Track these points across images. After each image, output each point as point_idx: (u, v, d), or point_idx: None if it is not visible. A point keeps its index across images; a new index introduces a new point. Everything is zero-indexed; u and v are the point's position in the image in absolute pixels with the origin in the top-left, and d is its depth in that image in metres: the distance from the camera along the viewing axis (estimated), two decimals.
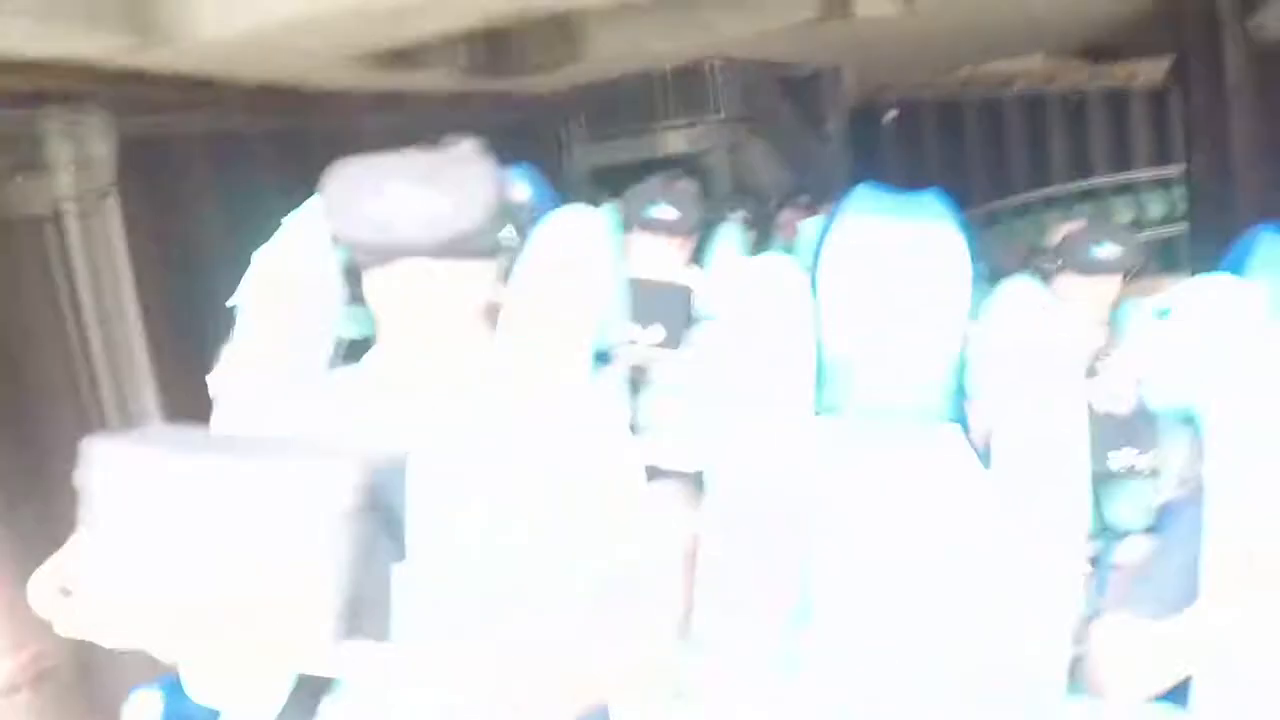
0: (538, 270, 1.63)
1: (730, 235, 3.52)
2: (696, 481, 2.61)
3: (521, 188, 1.69)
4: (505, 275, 1.52)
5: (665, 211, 3.23)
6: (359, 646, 1.17)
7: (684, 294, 3.07)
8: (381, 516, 1.18)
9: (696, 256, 3.39)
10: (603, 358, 1.75)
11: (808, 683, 1.64)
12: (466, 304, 1.45)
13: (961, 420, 1.76)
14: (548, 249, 1.66)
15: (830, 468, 1.69)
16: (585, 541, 1.42)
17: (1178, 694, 1.60)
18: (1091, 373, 2.47)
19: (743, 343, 1.73)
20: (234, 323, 1.68)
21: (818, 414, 1.74)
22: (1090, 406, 2.23)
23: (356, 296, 1.48)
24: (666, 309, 3.03)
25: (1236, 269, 1.80)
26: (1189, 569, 1.59)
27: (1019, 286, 1.80)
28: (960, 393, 1.76)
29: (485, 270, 1.45)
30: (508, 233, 1.47)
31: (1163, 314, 1.74)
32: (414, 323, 1.44)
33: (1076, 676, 1.66)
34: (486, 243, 1.42)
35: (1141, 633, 1.63)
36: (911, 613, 1.63)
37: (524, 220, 1.64)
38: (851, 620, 1.65)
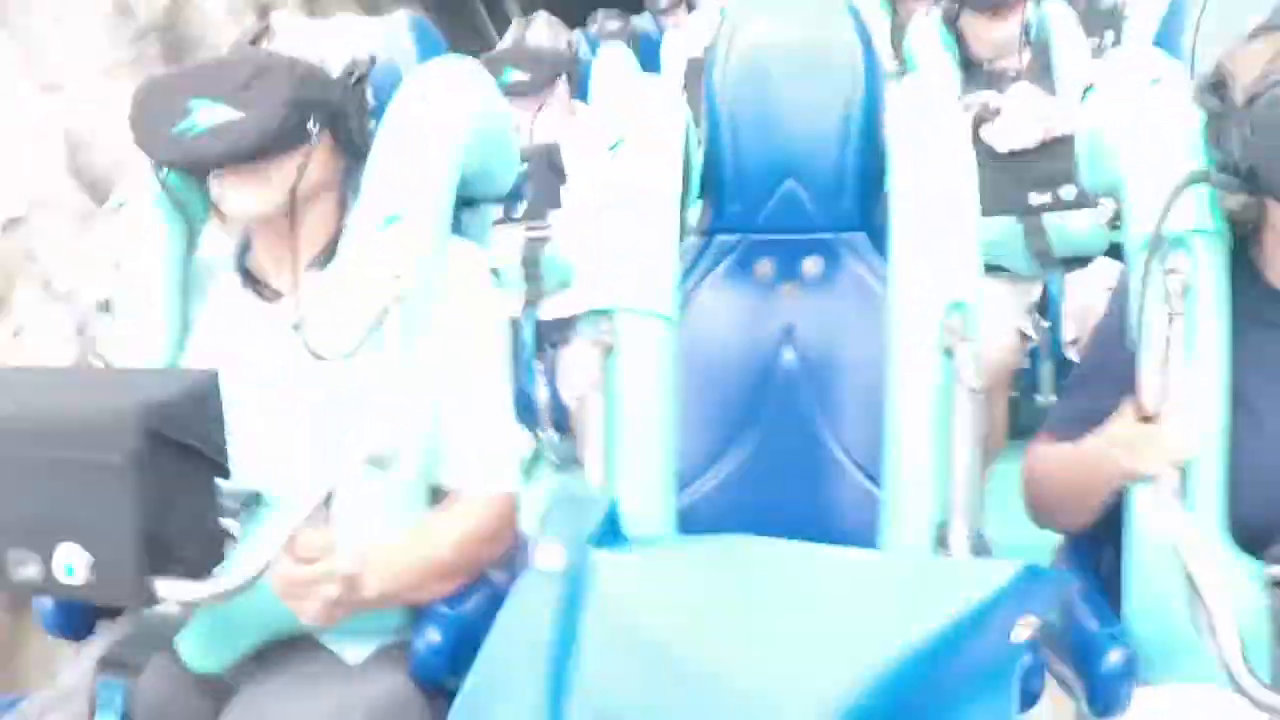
0: (393, 127, 1.57)
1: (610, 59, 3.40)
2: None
3: (355, 56, 1.58)
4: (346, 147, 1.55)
5: (516, 75, 3.14)
6: (171, 584, 1.17)
7: (548, 152, 2.94)
8: (178, 447, 1.16)
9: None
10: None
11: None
12: (285, 191, 1.49)
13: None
14: (402, 108, 1.59)
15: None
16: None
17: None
18: (986, 116, 2.40)
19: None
20: None
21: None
22: (992, 149, 2.18)
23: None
24: (536, 172, 2.90)
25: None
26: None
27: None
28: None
29: (299, 156, 1.48)
30: (312, 122, 1.48)
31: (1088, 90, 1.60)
32: (256, 225, 1.55)
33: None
34: (285, 144, 1.46)
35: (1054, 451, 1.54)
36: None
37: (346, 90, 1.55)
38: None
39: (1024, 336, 2.48)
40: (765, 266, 1.67)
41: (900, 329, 1.49)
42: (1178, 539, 1.25)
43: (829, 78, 1.66)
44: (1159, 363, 1.37)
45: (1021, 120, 2.33)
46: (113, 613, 1.60)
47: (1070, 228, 2.45)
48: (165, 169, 1.55)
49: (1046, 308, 2.54)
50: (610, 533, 1.33)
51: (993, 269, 2.43)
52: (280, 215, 1.51)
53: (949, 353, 1.45)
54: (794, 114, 1.66)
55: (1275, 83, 1.31)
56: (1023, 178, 2.31)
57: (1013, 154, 2.31)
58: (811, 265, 1.66)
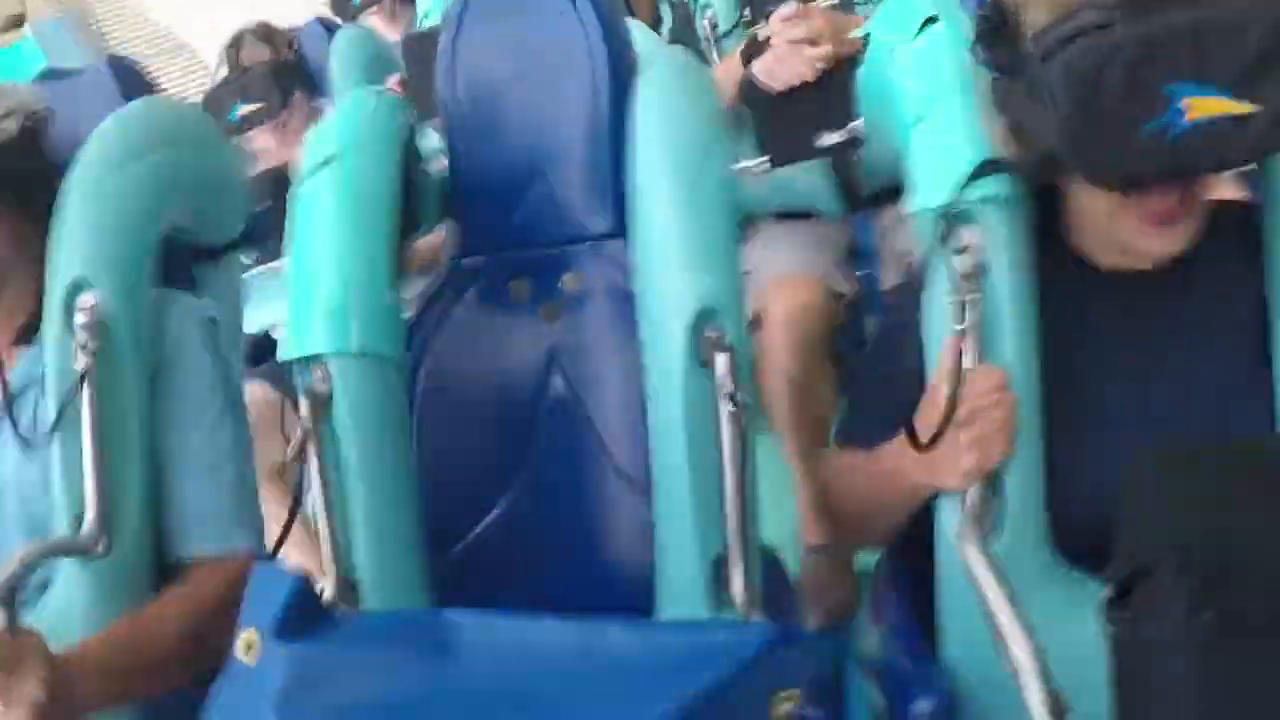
0: (74, 185, 1.44)
1: None
2: None
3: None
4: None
5: (245, 109, 2.84)
6: None
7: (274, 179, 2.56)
8: None
9: None
10: None
11: None
12: None
13: None
14: (87, 158, 1.46)
15: None
16: None
17: None
18: (755, 50, 2.16)
19: None
20: None
21: None
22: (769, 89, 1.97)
23: None
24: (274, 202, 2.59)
25: None
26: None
27: None
28: None
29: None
30: None
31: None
32: None
33: None
34: None
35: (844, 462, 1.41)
36: None
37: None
38: None
39: (837, 295, 2.28)
40: (521, 288, 1.50)
41: (649, 343, 1.34)
42: (972, 569, 1.13)
43: (564, 75, 1.49)
44: (951, 358, 1.22)
45: (793, 51, 2.08)
46: None
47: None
48: None
49: (859, 255, 2.36)
50: (299, 615, 1.19)
51: (797, 215, 2.26)
52: None
53: (705, 365, 1.28)
54: (535, 120, 1.50)
55: (1075, 32, 1.09)
56: (807, 117, 1.96)
57: (792, 91, 2.07)
58: (571, 281, 1.49)
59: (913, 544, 1.31)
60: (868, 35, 1.45)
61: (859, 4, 2.39)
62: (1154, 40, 1.07)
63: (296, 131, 2.80)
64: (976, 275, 1.23)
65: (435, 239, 1.66)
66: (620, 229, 1.48)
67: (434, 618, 1.25)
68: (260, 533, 1.47)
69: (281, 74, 2.87)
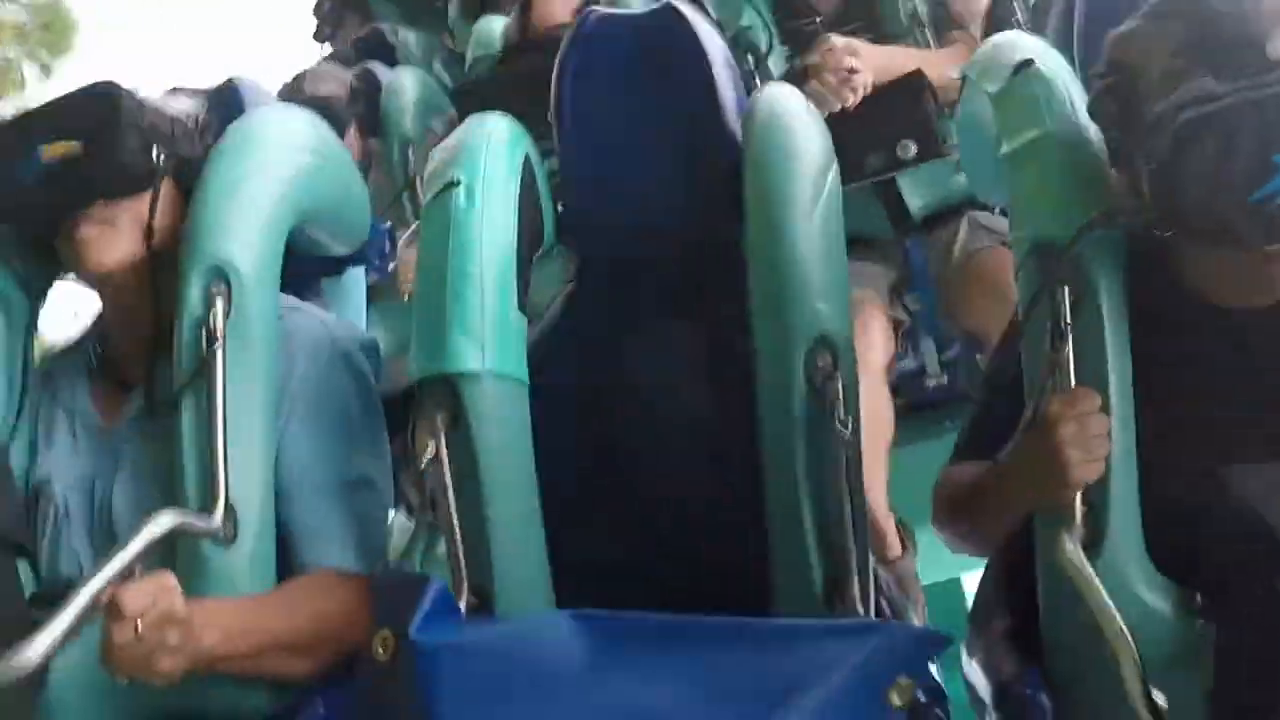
0: (214, 176, 1.49)
1: None
2: None
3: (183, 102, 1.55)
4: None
5: None
6: None
7: None
8: None
9: None
10: None
11: None
12: (136, 241, 1.46)
13: None
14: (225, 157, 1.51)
15: None
16: None
17: None
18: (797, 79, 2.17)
19: None
20: None
21: None
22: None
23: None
24: None
25: None
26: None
27: None
28: None
29: (145, 201, 1.45)
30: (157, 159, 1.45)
31: None
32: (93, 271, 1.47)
33: None
34: (135, 172, 1.44)
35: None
36: None
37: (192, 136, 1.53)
38: None
39: (897, 323, 2.35)
40: (632, 299, 1.57)
41: (765, 363, 1.41)
42: (1073, 577, 1.21)
43: (677, 99, 1.57)
44: (1048, 380, 1.30)
45: (836, 79, 2.11)
46: None
47: (922, 184, 2.28)
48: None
49: (912, 280, 2.38)
50: (438, 616, 1.26)
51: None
52: (133, 273, 1.45)
53: (818, 392, 1.36)
54: (648, 135, 1.57)
55: (1187, 104, 1.15)
56: (852, 141, 2.00)
57: (833, 117, 2.07)
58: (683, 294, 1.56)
59: (1016, 557, 1.40)
60: (965, 76, 1.54)
61: (898, 36, 2.50)
62: (1266, 108, 1.14)
63: None
64: (1078, 304, 1.31)
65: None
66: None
67: (569, 620, 1.29)
68: (380, 553, 1.52)
69: (339, 108, 2.93)
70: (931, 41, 2.48)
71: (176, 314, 1.43)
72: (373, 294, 2.07)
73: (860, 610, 1.32)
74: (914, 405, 2.37)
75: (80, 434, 1.51)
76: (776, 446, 1.38)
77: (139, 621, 1.18)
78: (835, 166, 1.50)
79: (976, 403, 1.59)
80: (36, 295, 1.57)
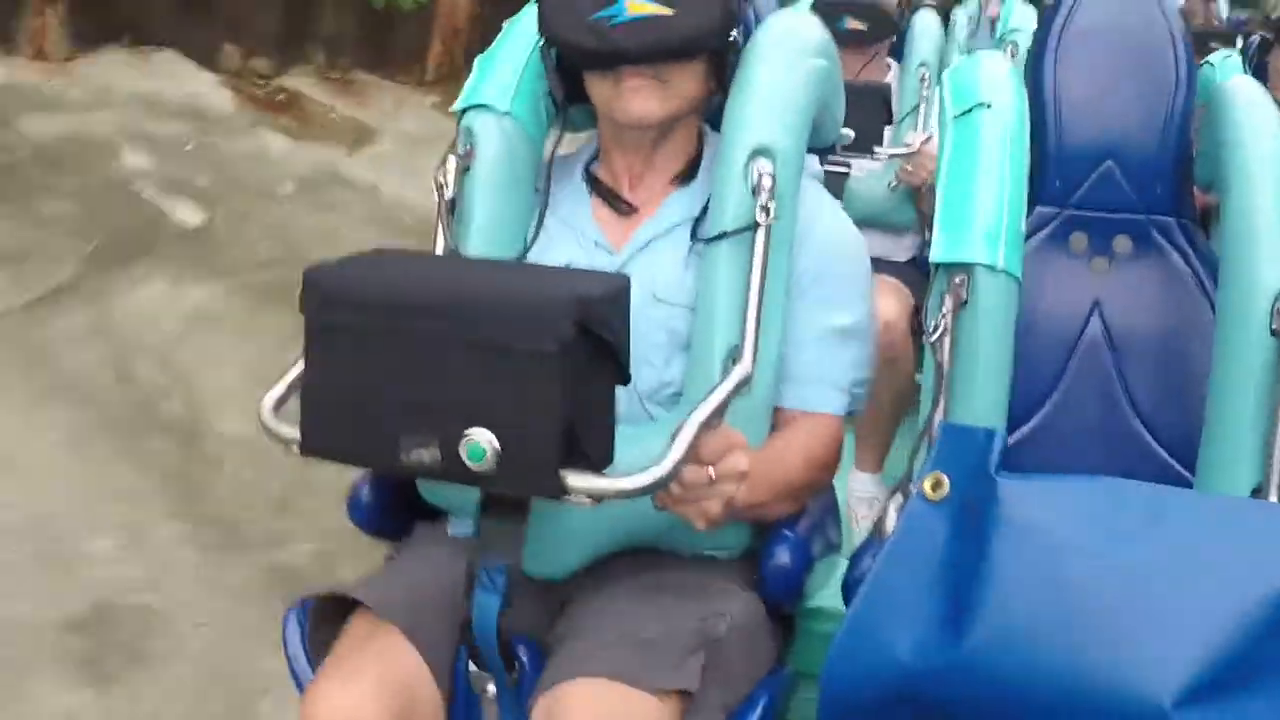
0: (760, 68, 1.64)
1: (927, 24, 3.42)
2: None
3: None
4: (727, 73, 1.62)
5: (853, 24, 3.18)
6: (582, 476, 1.11)
7: (880, 93, 2.94)
8: (596, 343, 1.12)
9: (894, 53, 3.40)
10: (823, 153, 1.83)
11: None
12: (685, 105, 1.60)
13: None
14: (771, 49, 1.66)
15: None
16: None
17: None
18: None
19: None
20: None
21: None
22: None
23: (573, 95, 1.64)
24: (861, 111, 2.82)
25: None
26: None
27: None
28: None
29: (705, 71, 1.59)
30: (734, 35, 1.59)
31: None
32: (636, 131, 1.60)
33: None
34: (710, 45, 1.56)
35: None
36: None
37: (747, 19, 1.66)
38: None
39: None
40: (1080, 241, 1.76)
41: (1231, 309, 1.57)
42: None
43: (1153, 69, 1.76)
44: None
45: None
46: (431, 515, 1.66)
47: None
48: (557, 60, 1.61)
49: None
50: (999, 465, 1.40)
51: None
52: (662, 127, 1.59)
53: (1277, 334, 1.52)
54: (1119, 100, 1.76)
55: None
56: None
57: None
58: (1123, 244, 1.75)
59: None
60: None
61: None
62: None
63: (874, 66, 3.30)
64: None
65: None
66: (1172, 209, 1.75)
67: (1098, 479, 1.42)
68: (861, 399, 1.65)
69: (890, 17, 3.28)
70: None
71: (717, 174, 1.59)
72: None
73: None
74: None
75: (585, 251, 1.65)
76: (1232, 378, 1.54)
77: (713, 468, 1.25)
78: None
79: None
80: (550, 127, 1.73)
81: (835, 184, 2.58)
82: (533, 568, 1.47)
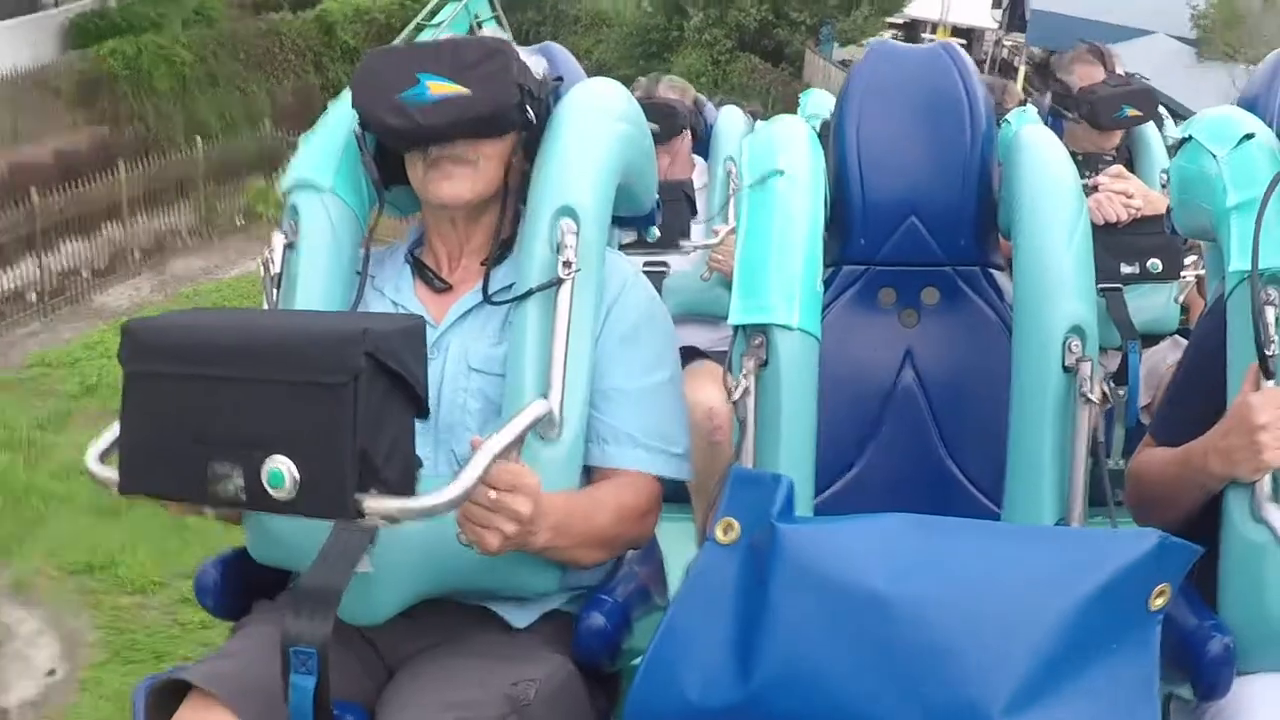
0: (564, 132, 1.68)
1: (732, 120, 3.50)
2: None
3: (538, 63, 1.72)
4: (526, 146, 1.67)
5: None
6: (378, 500, 1.17)
7: (683, 189, 3.05)
8: (392, 377, 1.19)
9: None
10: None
11: None
12: (495, 186, 1.65)
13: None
14: (574, 114, 1.70)
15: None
16: None
17: None
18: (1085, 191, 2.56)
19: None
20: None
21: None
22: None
23: (395, 177, 1.70)
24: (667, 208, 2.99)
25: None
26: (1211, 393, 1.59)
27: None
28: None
29: (512, 148, 1.64)
30: (530, 113, 1.63)
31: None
32: (449, 212, 1.66)
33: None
34: (510, 120, 1.62)
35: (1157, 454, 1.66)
36: None
37: (546, 95, 1.69)
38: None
39: (1104, 398, 2.62)
40: (889, 295, 1.84)
41: (1024, 348, 1.64)
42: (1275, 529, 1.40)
43: (947, 122, 1.85)
44: (1252, 381, 1.50)
45: (1116, 197, 2.48)
46: (271, 594, 1.68)
47: (1147, 304, 2.60)
48: (371, 143, 1.66)
49: (1125, 375, 2.66)
50: (787, 511, 1.43)
51: None
52: (471, 208, 1.64)
53: (1069, 370, 1.60)
54: (917, 155, 1.85)
55: None
56: (1115, 249, 2.43)
57: (1107, 226, 2.43)
58: (930, 295, 1.83)
59: (1186, 526, 1.58)
60: (1190, 136, 1.78)
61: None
62: None
63: (675, 165, 3.32)
64: (1276, 324, 1.51)
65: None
66: (977, 258, 1.84)
67: (888, 515, 1.42)
68: (680, 460, 1.67)
69: (684, 114, 3.32)
70: None
71: (523, 239, 1.64)
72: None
73: None
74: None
75: None
76: (1030, 412, 1.62)
77: (494, 492, 1.33)
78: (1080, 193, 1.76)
79: (1164, 401, 1.79)
80: (370, 206, 1.76)
81: (653, 283, 2.69)
82: (349, 614, 1.48)
